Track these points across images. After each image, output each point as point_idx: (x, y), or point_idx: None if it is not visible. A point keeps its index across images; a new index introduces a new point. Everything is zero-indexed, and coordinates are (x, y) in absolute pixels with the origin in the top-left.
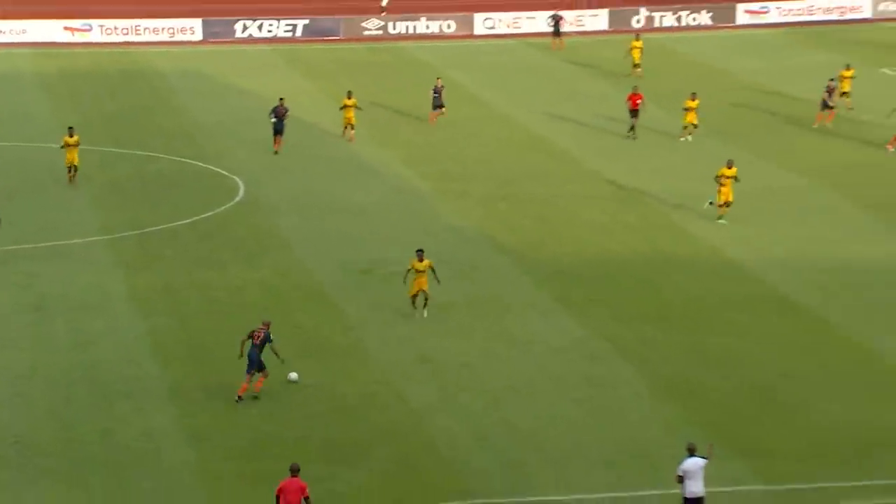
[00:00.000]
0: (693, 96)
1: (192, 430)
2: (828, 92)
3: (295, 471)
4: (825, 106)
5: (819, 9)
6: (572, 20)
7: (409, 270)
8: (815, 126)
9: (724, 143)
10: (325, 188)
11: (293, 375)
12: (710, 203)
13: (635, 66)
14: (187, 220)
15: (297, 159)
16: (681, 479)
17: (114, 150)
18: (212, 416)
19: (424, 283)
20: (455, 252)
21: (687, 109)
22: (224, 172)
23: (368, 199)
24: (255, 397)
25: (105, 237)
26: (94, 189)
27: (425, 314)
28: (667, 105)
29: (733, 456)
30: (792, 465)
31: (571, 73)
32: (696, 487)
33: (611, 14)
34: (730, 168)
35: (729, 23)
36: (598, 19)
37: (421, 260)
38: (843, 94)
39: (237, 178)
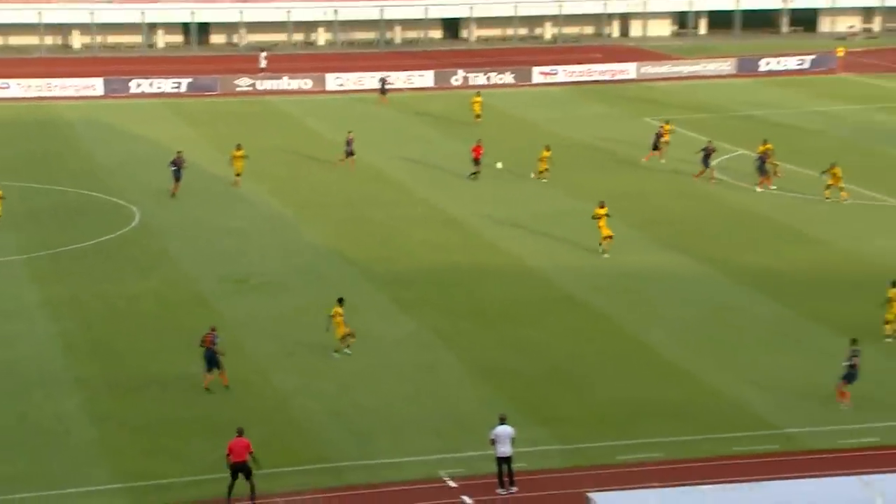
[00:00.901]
0: (547, 147)
1: (96, 413)
2: (657, 136)
3: (241, 432)
4: (655, 147)
5: (596, 71)
6: (404, 78)
7: (330, 316)
8: (645, 161)
9: (522, 177)
10: (206, 215)
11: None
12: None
13: (477, 116)
14: (92, 242)
15: (183, 192)
16: (493, 443)
17: (32, 185)
18: (113, 401)
19: (346, 326)
20: (313, 264)
21: (541, 159)
22: (122, 203)
23: (242, 224)
24: (227, 387)
25: (22, 256)
26: (14, 217)
27: (349, 351)
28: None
29: (535, 424)
30: (580, 429)
31: (404, 120)
32: (504, 448)
33: (435, 74)
34: (602, 207)
35: (527, 82)
36: (424, 78)
37: (341, 306)
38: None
39: (133, 208)
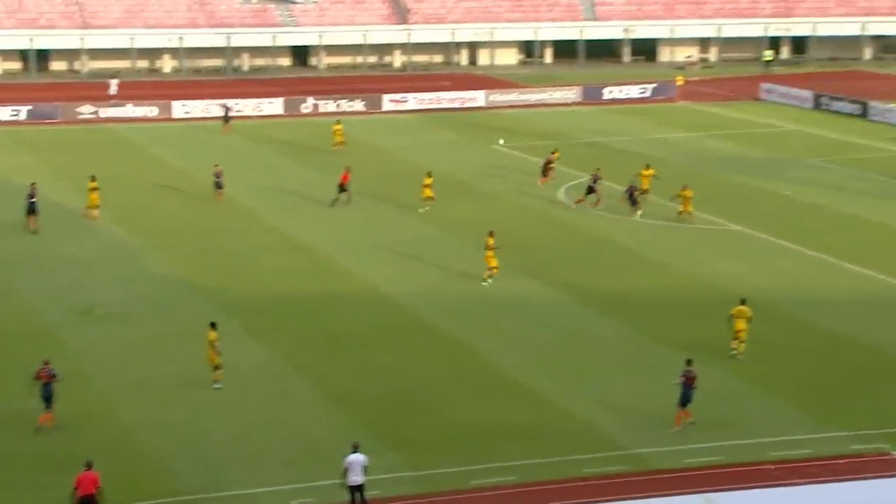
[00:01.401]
0: (429, 174)
1: None
2: (546, 163)
3: (89, 465)
4: (544, 173)
5: (445, 98)
6: (253, 106)
7: (210, 342)
8: (540, 184)
9: (376, 203)
10: (50, 246)
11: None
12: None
13: (337, 144)
14: None
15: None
16: (345, 472)
17: None
18: None
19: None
20: (161, 293)
21: (425, 186)
22: None
23: (88, 253)
24: (54, 428)
25: None
26: None
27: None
28: (332, 171)
29: (388, 449)
30: (434, 454)
31: (254, 148)
32: (356, 477)
33: (285, 101)
34: (491, 236)
35: (378, 109)
36: (273, 105)
37: (214, 330)
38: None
39: None
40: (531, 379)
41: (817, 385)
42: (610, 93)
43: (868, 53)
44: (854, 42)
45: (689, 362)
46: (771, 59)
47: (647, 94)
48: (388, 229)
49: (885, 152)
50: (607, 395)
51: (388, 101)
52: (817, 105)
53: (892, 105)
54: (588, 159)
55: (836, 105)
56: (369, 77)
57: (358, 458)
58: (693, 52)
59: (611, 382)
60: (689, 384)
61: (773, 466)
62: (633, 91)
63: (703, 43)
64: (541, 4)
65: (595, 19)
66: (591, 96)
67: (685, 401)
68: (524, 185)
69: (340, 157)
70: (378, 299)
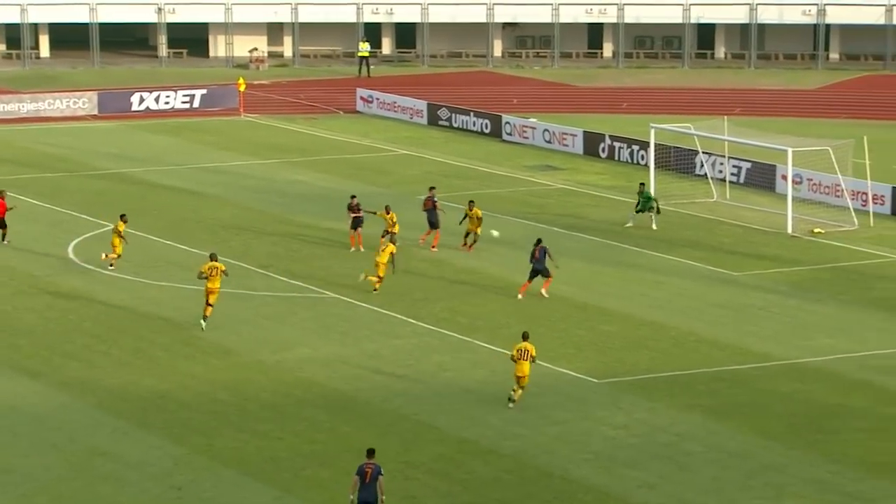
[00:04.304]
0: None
1: None
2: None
3: None
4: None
5: None
6: None
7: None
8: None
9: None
10: None
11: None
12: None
13: None
14: None
15: None
16: None
17: None
18: None
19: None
20: None
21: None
22: None
23: None
24: None
25: None
26: None
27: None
28: None
29: None
30: None
31: None
32: None
33: None
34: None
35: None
36: None
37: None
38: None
39: None
40: None
41: None
42: (141, 101)
43: (498, 48)
44: (480, 31)
45: None
46: (369, 53)
47: (196, 103)
48: None
49: (531, 185)
50: None
51: None
52: (434, 120)
53: (532, 119)
54: (108, 196)
55: (460, 119)
56: None
57: None
58: (259, 44)
59: None
60: None
61: None
62: (175, 99)
63: (273, 30)
64: None
65: None
66: (113, 106)
67: None
68: (17, 237)
69: None
70: None
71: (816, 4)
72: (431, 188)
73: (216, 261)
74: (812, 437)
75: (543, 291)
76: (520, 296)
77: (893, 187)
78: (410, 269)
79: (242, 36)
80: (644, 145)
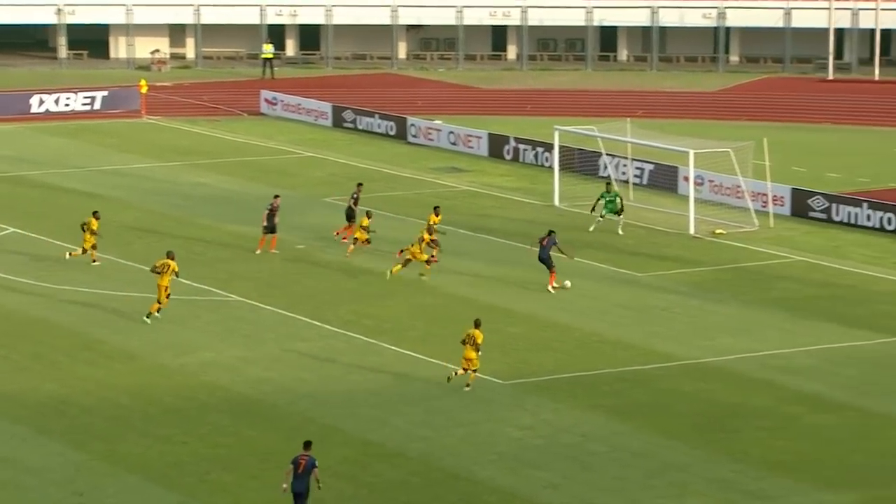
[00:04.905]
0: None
1: None
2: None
3: None
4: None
5: None
6: None
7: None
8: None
9: None
10: None
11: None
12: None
13: None
14: None
15: None
16: None
17: None
18: None
19: None
20: None
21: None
22: None
23: None
24: None
25: None
26: None
27: None
28: None
29: None
30: None
31: None
32: None
33: None
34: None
35: None
36: None
37: None
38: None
39: None
40: None
41: None
42: (41, 103)
43: (402, 50)
44: (385, 33)
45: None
46: (273, 55)
47: (97, 105)
48: None
49: (436, 187)
50: None
51: None
52: (339, 122)
53: (437, 121)
54: (6, 200)
55: (365, 121)
56: None
57: None
58: (161, 46)
59: None
60: None
61: None
62: (75, 101)
63: (175, 32)
64: None
65: None
66: (12, 108)
67: None
68: None
69: None
70: None
71: (717, 7)
72: (359, 184)
73: (173, 259)
74: (714, 436)
75: (550, 287)
76: (550, 288)
77: (793, 188)
78: (316, 272)
79: (144, 37)
80: (548, 147)
